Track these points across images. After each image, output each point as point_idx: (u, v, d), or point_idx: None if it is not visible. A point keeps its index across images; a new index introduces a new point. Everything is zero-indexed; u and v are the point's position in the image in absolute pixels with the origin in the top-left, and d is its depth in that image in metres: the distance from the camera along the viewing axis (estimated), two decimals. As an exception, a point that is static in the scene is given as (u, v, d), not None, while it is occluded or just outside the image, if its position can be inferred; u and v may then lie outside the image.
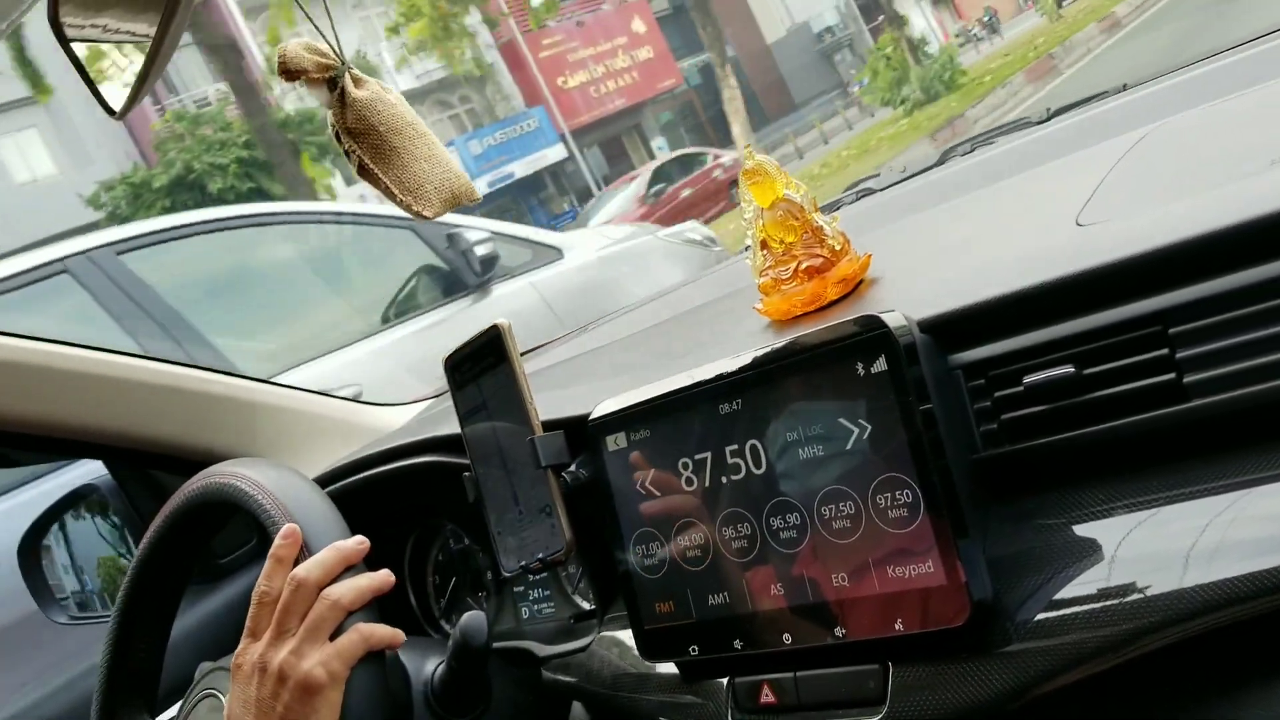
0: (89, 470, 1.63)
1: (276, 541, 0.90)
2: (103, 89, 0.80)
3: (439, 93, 26.28)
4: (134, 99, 0.78)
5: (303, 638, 0.84)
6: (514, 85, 26.25)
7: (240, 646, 0.88)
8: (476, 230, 3.54)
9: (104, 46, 0.81)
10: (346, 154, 0.83)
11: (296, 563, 0.88)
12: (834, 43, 29.01)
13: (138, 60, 0.76)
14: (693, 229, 4.81)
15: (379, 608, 0.89)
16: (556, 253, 3.77)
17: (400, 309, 3.49)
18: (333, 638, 0.85)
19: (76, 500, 1.62)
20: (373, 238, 3.69)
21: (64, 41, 0.81)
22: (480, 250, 3.45)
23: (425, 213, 0.84)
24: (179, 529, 1.07)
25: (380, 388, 2.31)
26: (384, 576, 0.89)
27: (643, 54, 27.37)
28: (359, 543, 0.90)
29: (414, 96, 24.38)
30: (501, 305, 3.37)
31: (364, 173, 0.83)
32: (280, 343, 3.35)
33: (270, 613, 0.87)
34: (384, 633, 0.87)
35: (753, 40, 29.30)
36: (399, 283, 3.55)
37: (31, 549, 1.60)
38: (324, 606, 0.85)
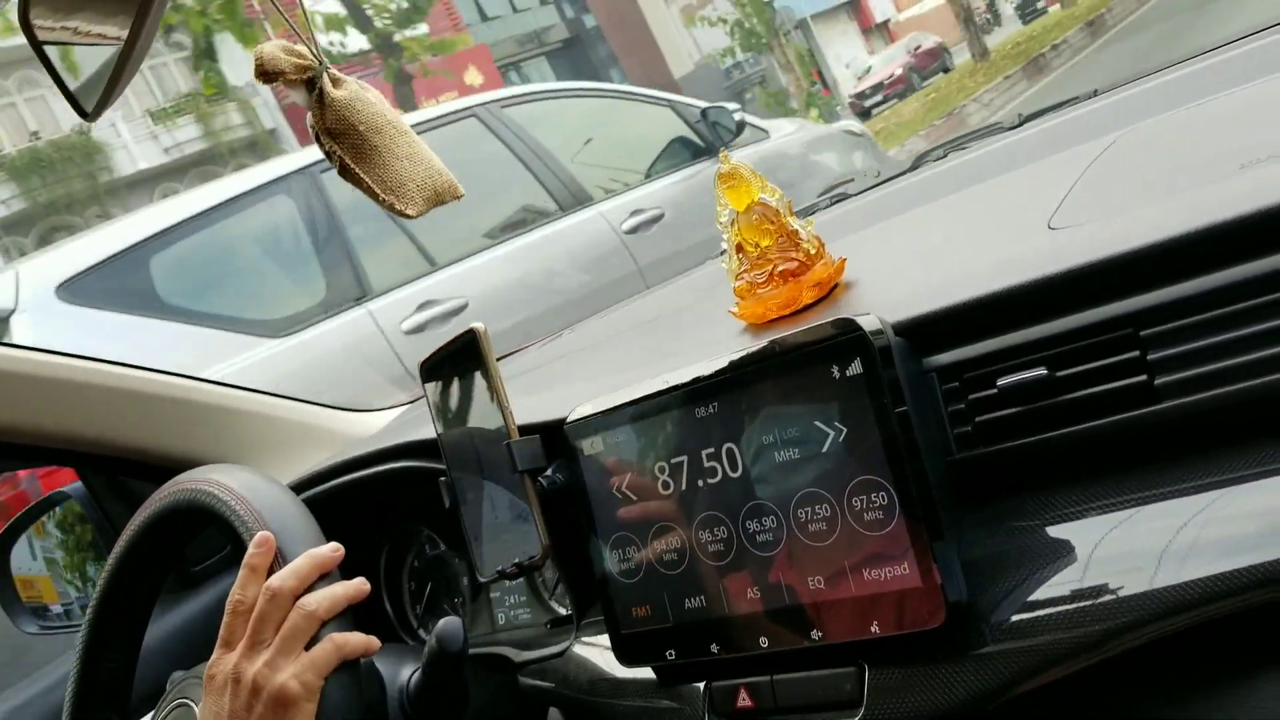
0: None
1: (250, 550, 0.89)
2: (75, 91, 0.79)
3: (206, 165, 21.26)
4: (107, 100, 0.77)
5: (277, 649, 0.83)
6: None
7: (214, 657, 0.87)
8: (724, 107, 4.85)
9: (76, 48, 0.80)
10: (328, 155, 0.82)
11: (271, 571, 0.87)
12: (743, 79, 28.70)
13: (110, 61, 0.75)
14: (850, 124, 7.01)
15: (354, 614, 0.88)
16: (765, 133, 5.09)
17: (658, 168, 4.66)
18: (307, 647, 0.84)
19: (47, 508, 1.60)
20: (641, 113, 5.00)
21: (35, 43, 0.80)
22: (728, 119, 4.67)
23: (408, 211, 0.84)
24: (151, 537, 1.06)
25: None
26: (359, 585, 0.88)
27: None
28: (333, 550, 0.89)
29: (168, 173, 21.48)
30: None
31: (345, 173, 0.83)
32: (607, 179, 4.60)
33: (244, 622, 0.86)
34: (358, 641, 0.86)
35: (660, 74, 28.97)
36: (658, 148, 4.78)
37: (1, 558, 1.58)
38: (299, 617, 0.84)
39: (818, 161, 5.13)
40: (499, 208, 4.26)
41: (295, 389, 1.79)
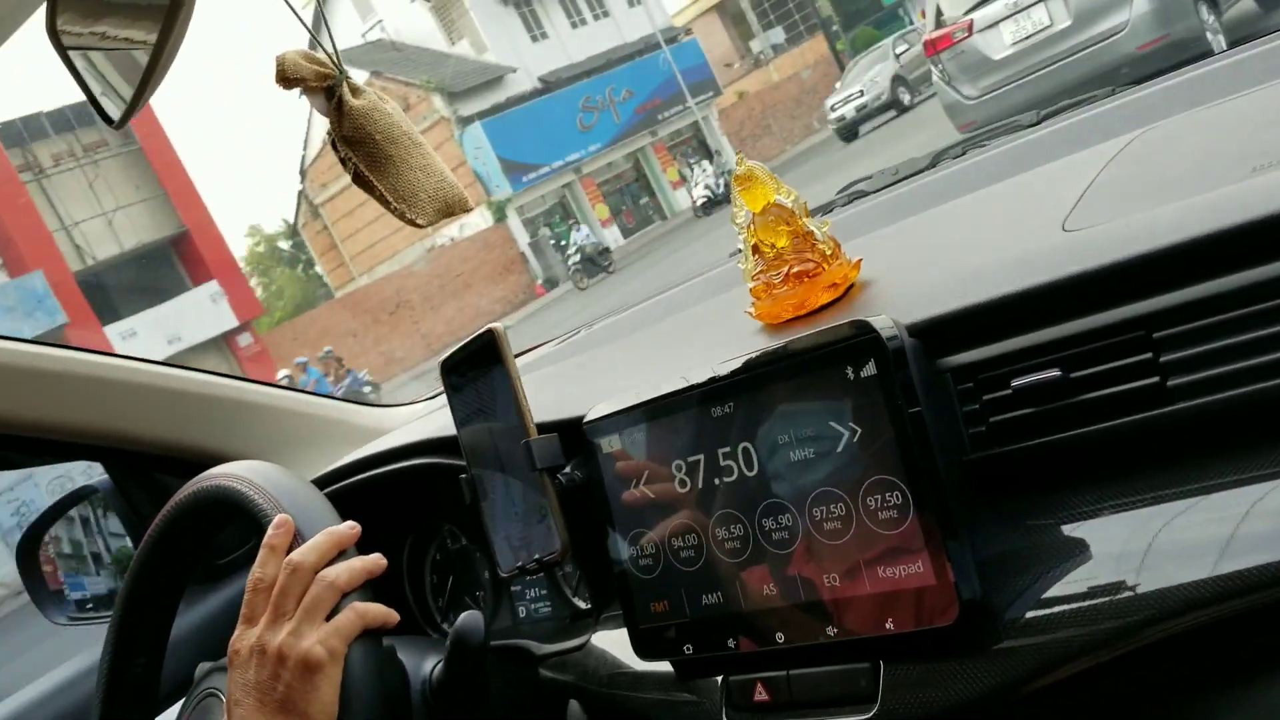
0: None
1: (269, 531, 0.91)
2: (100, 99, 0.81)
3: None
4: (134, 108, 0.79)
5: (300, 618, 0.85)
6: None
7: (236, 633, 0.89)
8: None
9: (103, 55, 0.81)
10: (343, 162, 0.83)
11: (289, 551, 0.89)
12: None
13: (138, 68, 0.76)
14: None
15: (376, 598, 0.90)
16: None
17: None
18: (328, 618, 0.86)
19: (75, 502, 1.62)
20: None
21: (61, 50, 0.81)
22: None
23: (419, 221, 0.85)
24: (178, 530, 1.08)
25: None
26: (376, 559, 0.90)
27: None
28: (350, 527, 0.91)
29: None
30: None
31: (359, 180, 0.84)
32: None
33: (265, 599, 0.87)
34: (379, 611, 0.87)
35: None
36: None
37: (30, 550, 1.61)
38: (320, 588, 0.86)
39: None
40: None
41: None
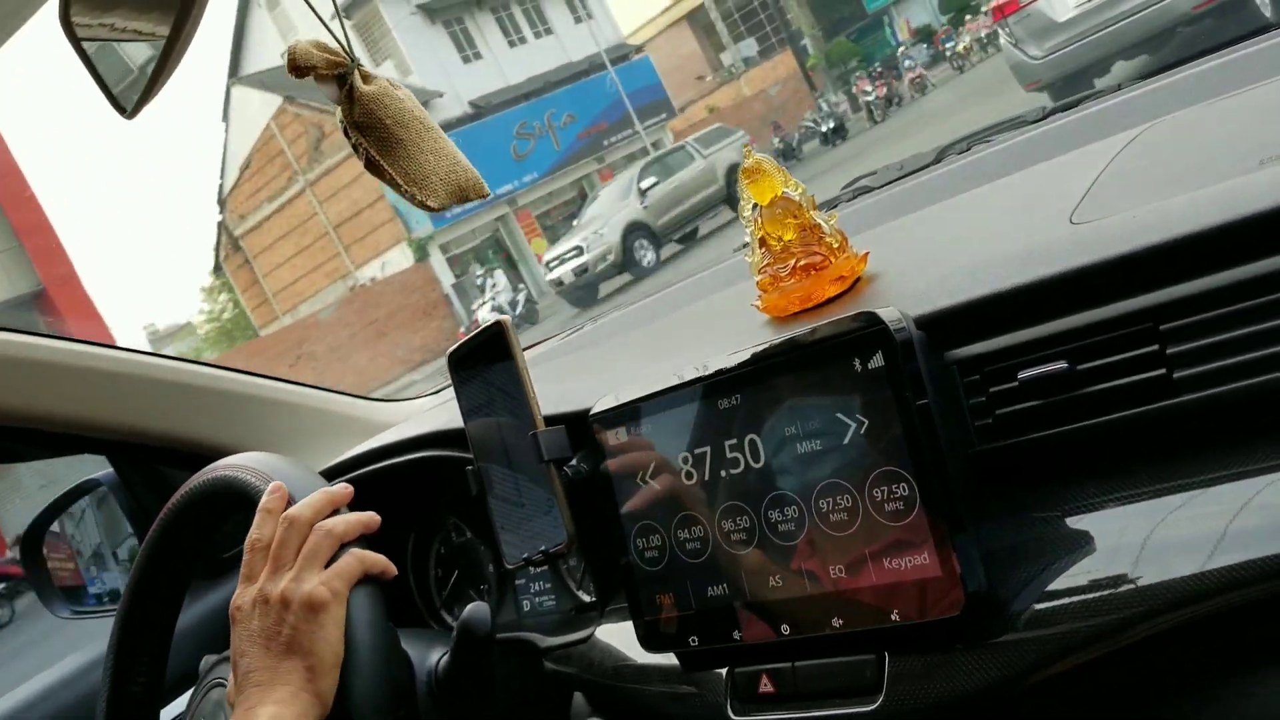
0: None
1: (264, 496, 0.91)
2: (114, 89, 0.81)
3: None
4: (146, 98, 0.79)
5: (301, 565, 0.85)
6: None
7: (236, 592, 0.89)
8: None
9: (116, 45, 0.82)
10: (355, 148, 0.84)
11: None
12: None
13: (151, 59, 0.77)
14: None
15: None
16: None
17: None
18: (328, 566, 0.86)
19: (78, 495, 1.62)
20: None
21: (75, 41, 0.82)
22: None
23: (430, 203, 0.86)
24: (183, 523, 1.08)
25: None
26: (371, 516, 0.90)
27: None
28: (344, 488, 0.92)
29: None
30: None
31: (371, 166, 0.84)
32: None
33: (264, 556, 0.88)
34: (378, 558, 0.88)
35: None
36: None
37: (35, 544, 1.61)
38: (318, 536, 0.86)
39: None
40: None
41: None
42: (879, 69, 23.86)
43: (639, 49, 30.95)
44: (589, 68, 28.05)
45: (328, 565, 0.86)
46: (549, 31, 29.14)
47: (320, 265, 27.69)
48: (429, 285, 24.64)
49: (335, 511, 0.90)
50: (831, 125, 20.61)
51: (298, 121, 26.14)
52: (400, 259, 25.43)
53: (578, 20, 29.47)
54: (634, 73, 28.59)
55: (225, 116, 28.13)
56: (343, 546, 0.87)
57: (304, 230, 27.77)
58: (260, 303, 29.87)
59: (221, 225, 29.75)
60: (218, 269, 31.31)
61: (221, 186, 29.05)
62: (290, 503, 0.91)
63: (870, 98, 22.32)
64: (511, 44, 28.52)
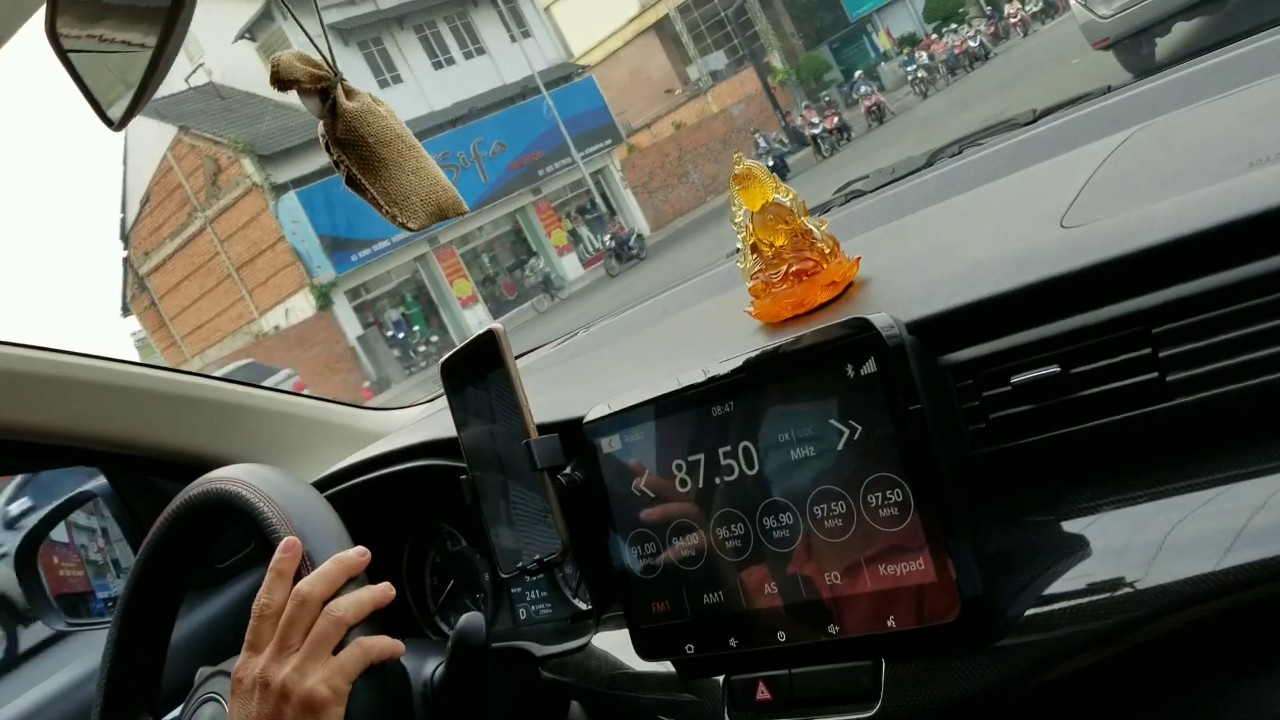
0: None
1: (277, 555, 0.89)
2: (101, 100, 0.81)
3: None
4: (133, 109, 0.79)
5: (305, 654, 0.84)
6: None
7: (240, 660, 0.88)
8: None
9: (102, 57, 0.81)
10: (335, 164, 0.83)
11: (298, 575, 0.88)
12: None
13: (138, 70, 0.76)
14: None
15: (377, 612, 0.89)
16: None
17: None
18: (334, 652, 0.85)
19: (72, 508, 1.62)
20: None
21: (61, 52, 0.81)
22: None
23: (410, 224, 0.85)
24: (178, 534, 1.07)
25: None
26: (385, 589, 0.89)
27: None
28: (360, 554, 0.90)
29: None
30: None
31: (351, 183, 0.84)
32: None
33: (272, 627, 0.87)
34: (384, 644, 0.87)
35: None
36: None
37: (28, 556, 1.60)
38: (327, 622, 0.85)
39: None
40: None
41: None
42: (826, 100, 22.31)
43: (582, 69, 28.90)
44: (524, 91, 26.20)
45: (336, 650, 0.85)
46: (481, 51, 27.11)
47: (225, 310, 25.91)
48: (332, 338, 22.68)
49: (351, 578, 0.88)
50: (770, 164, 20.01)
51: (194, 154, 24.38)
52: (304, 306, 23.47)
53: (513, 39, 27.40)
54: (575, 95, 26.60)
55: (124, 148, 26.07)
56: (351, 629, 0.86)
57: (208, 271, 25.74)
58: (169, 344, 27.87)
59: (127, 262, 27.86)
60: (125, 310, 29.11)
61: (124, 221, 27.22)
62: (304, 560, 0.89)
63: (817, 130, 20.99)
64: (437, 65, 26.43)
